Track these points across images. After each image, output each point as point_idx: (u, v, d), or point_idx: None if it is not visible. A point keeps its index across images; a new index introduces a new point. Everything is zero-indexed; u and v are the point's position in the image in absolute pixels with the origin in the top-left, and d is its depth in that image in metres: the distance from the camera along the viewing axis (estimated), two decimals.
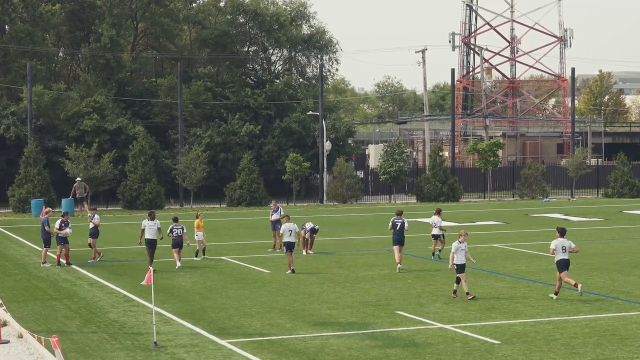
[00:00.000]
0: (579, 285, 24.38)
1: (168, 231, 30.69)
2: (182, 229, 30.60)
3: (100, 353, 18.66)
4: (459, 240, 24.54)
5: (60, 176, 60.44)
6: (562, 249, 24.33)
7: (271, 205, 36.37)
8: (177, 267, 30.62)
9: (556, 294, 24.53)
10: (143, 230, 30.04)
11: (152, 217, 30.23)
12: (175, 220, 30.91)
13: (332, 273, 29.50)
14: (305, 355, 18.43)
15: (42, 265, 31.72)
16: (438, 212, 32.97)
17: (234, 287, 26.72)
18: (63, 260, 31.75)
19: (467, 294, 24.23)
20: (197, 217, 33.49)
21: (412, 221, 48.81)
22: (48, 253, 32.26)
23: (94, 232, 32.90)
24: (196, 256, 33.16)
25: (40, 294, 26.03)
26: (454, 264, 24.45)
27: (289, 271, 29.25)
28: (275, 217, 35.04)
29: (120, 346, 19.28)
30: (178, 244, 30.62)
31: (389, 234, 42.11)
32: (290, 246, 29.37)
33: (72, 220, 49.63)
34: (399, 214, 30.55)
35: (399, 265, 29.81)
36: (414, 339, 19.77)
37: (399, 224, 30.00)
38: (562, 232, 24.63)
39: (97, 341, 19.74)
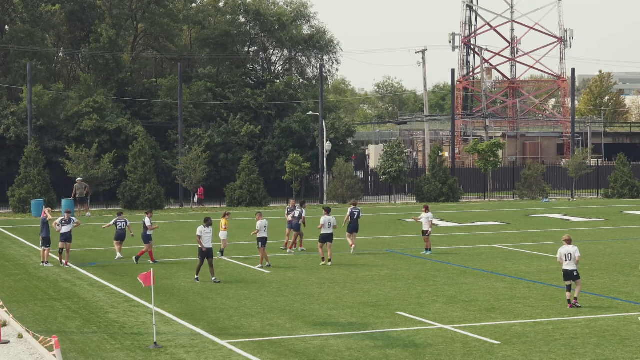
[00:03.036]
0: (353, 247, 32.63)
1: (112, 223, 33.47)
2: (126, 222, 33.32)
3: (100, 353, 18.66)
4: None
5: (60, 176, 60.44)
6: (329, 224, 31.46)
7: (289, 205, 36.56)
8: (116, 257, 33.10)
9: (330, 260, 31.19)
10: (200, 237, 27.42)
11: (208, 224, 27.70)
12: (119, 214, 34.02)
13: (332, 273, 29.50)
14: (306, 355, 18.42)
15: (42, 265, 31.73)
16: (428, 209, 34.72)
17: (234, 288, 26.72)
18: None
19: (571, 300, 23.15)
20: (223, 216, 33.52)
21: (412, 222, 48.84)
22: (50, 254, 32.26)
23: (69, 236, 31.89)
24: (221, 255, 33.34)
25: (40, 294, 26.03)
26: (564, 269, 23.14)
27: (268, 264, 30.70)
28: (290, 217, 35.32)
29: (120, 346, 19.28)
30: (121, 236, 33.30)
31: (389, 234, 42.35)
32: (264, 241, 30.51)
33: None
34: (355, 204, 35.53)
35: (353, 246, 34.21)
36: (414, 339, 19.77)
37: (356, 213, 34.51)
38: (328, 210, 32.22)
39: (97, 341, 19.74)
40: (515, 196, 68.67)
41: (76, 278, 28.95)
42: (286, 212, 35.97)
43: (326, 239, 31.54)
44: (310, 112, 68.25)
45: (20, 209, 56.59)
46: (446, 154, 74.94)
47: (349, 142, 75.45)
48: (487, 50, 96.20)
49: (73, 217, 32.92)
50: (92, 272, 30.16)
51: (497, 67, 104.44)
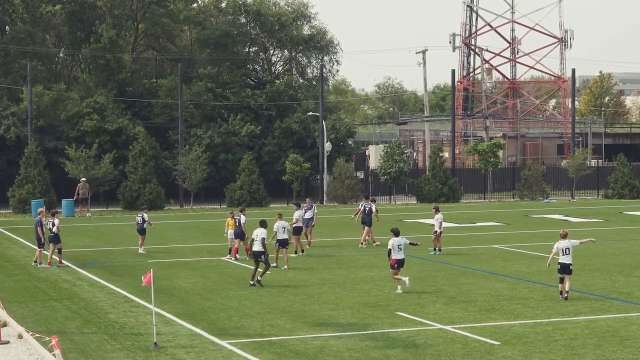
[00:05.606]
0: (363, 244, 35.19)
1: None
2: (142, 217, 34.78)
3: (101, 354, 18.66)
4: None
5: (61, 177, 60.42)
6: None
7: (305, 204, 36.76)
8: (139, 252, 34.91)
9: (302, 251, 33.77)
10: (253, 240, 27.19)
11: (263, 226, 27.28)
12: (143, 209, 36.72)
13: (332, 274, 29.49)
14: (306, 356, 18.43)
15: (33, 264, 31.66)
16: (438, 210, 35.06)
17: (234, 288, 26.72)
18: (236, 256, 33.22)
19: (563, 292, 24.46)
20: (229, 216, 33.77)
21: (413, 222, 48.90)
22: (45, 252, 32.27)
23: (55, 238, 31.66)
24: (229, 254, 33.56)
25: (41, 294, 26.03)
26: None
27: (285, 266, 30.62)
28: (308, 215, 35.92)
29: (120, 347, 19.28)
30: (138, 231, 35.00)
31: (389, 235, 42.26)
32: (283, 243, 30.53)
33: (72, 221, 49.70)
34: (373, 200, 37.74)
35: (363, 243, 36.42)
36: (414, 339, 19.77)
37: (367, 208, 36.55)
38: (298, 205, 31.77)
39: (97, 342, 19.74)
40: (516, 196, 68.67)
41: (76, 278, 28.95)
42: (303, 211, 36.25)
43: (298, 231, 34.06)
44: (311, 113, 68.25)
45: (20, 209, 56.56)
46: (446, 154, 74.92)
47: (349, 142, 75.44)
48: (487, 50, 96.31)
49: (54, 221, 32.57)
50: (92, 272, 30.17)
51: (498, 68, 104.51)
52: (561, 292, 24.43)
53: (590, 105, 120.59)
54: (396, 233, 25.64)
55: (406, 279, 25.33)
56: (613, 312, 22.70)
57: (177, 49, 74.79)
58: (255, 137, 68.13)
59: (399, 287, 25.50)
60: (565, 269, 24.25)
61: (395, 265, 25.38)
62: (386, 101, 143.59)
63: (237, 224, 32.80)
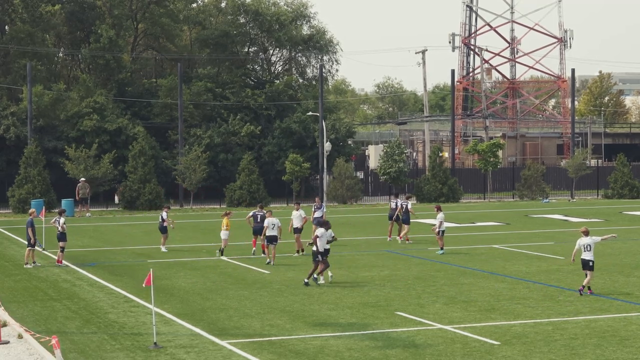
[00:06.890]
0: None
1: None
2: (161, 216, 35.38)
3: (100, 354, 18.66)
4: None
5: (60, 176, 60.44)
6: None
7: (315, 203, 36.94)
8: (161, 250, 35.39)
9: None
10: (319, 237, 27.47)
11: (323, 226, 27.93)
12: (166, 207, 36.53)
13: (332, 274, 29.45)
14: (305, 356, 18.42)
15: (33, 265, 31.54)
16: (439, 209, 35.38)
17: (234, 288, 26.72)
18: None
19: (584, 290, 25.16)
20: (224, 216, 34.10)
21: (412, 222, 48.85)
22: (46, 253, 32.24)
23: (62, 236, 31.91)
24: (220, 254, 33.64)
25: (40, 294, 26.02)
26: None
27: (270, 262, 31.41)
28: (317, 214, 36.08)
29: (120, 347, 19.28)
30: (161, 229, 35.59)
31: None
32: (272, 239, 31.31)
33: (72, 221, 49.72)
34: (398, 196, 40.43)
35: (390, 238, 38.57)
36: (413, 339, 19.77)
37: (404, 206, 38.25)
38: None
39: (97, 342, 19.74)
40: (515, 196, 68.68)
41: (76, 278, 28.95)
42: (312, 211, 36.37)
43: (298, 230, 33.95)
44: (310, 113, 68.24)
45: (20, 209, 56.53)
46: (446, 154, 74.94)
47: (349, 142, 75.45)
48: (487, 50, 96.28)
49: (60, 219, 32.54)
50: (92, 272, 30.16)
51: (497, 68, 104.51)
52: (581, 289, 25.05)
53: (589, 105, 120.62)
54: (326, 227, 27.57)
55: (330, 274, 27.49)
56: (613, 312, 22.70)
57: (177, 49, 74.79)
58: (255, 137, 68.13)
59: (321, 278, 27.23)
60: (585, 265, 25.00)
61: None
62: (386, 101, 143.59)
63: (257, 221, 33.15)
